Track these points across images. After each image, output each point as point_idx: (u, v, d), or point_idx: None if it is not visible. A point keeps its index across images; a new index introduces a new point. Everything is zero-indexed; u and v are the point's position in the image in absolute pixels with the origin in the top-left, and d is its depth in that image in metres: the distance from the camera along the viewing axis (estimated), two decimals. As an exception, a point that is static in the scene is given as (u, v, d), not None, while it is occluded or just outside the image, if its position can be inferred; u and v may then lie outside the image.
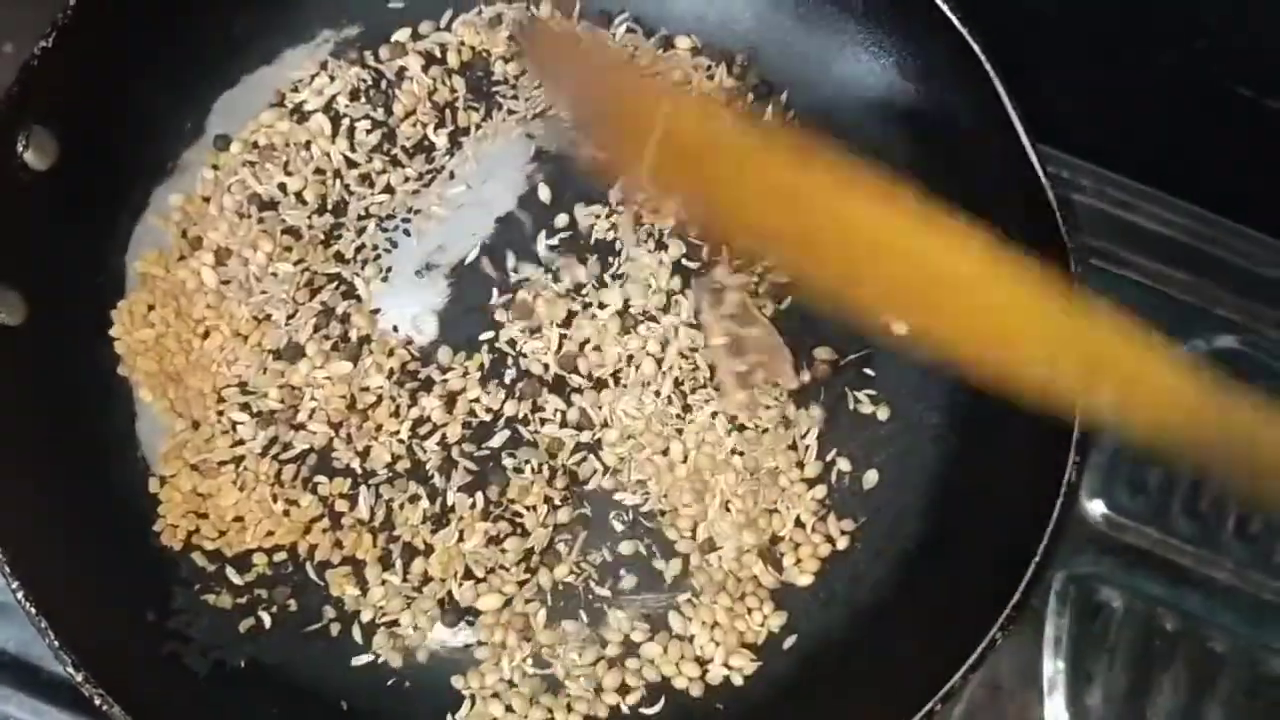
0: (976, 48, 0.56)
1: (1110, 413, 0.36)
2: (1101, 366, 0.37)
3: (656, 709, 0.57)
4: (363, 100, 0.63)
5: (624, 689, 0.57)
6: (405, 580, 0.57)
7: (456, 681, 0.57)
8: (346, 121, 0.62)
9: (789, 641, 0.58)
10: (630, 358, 0.59)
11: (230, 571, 0.57)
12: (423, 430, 0.59)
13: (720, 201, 0.42)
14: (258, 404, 0.59)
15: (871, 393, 0.60)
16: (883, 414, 0.60)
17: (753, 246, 0.47)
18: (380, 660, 0.57)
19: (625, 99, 0.44)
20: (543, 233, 0.61)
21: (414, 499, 0.58)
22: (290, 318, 0.60)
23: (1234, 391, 0.35)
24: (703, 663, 0.57)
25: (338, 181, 0.62)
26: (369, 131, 0.62)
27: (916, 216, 0.39)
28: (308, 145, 0.62)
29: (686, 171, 0.42)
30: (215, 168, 0.62)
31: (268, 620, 0.57)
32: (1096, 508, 0.62)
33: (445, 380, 0.59)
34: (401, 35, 0.64)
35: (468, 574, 0.58)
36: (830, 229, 0.39)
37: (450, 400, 0.59)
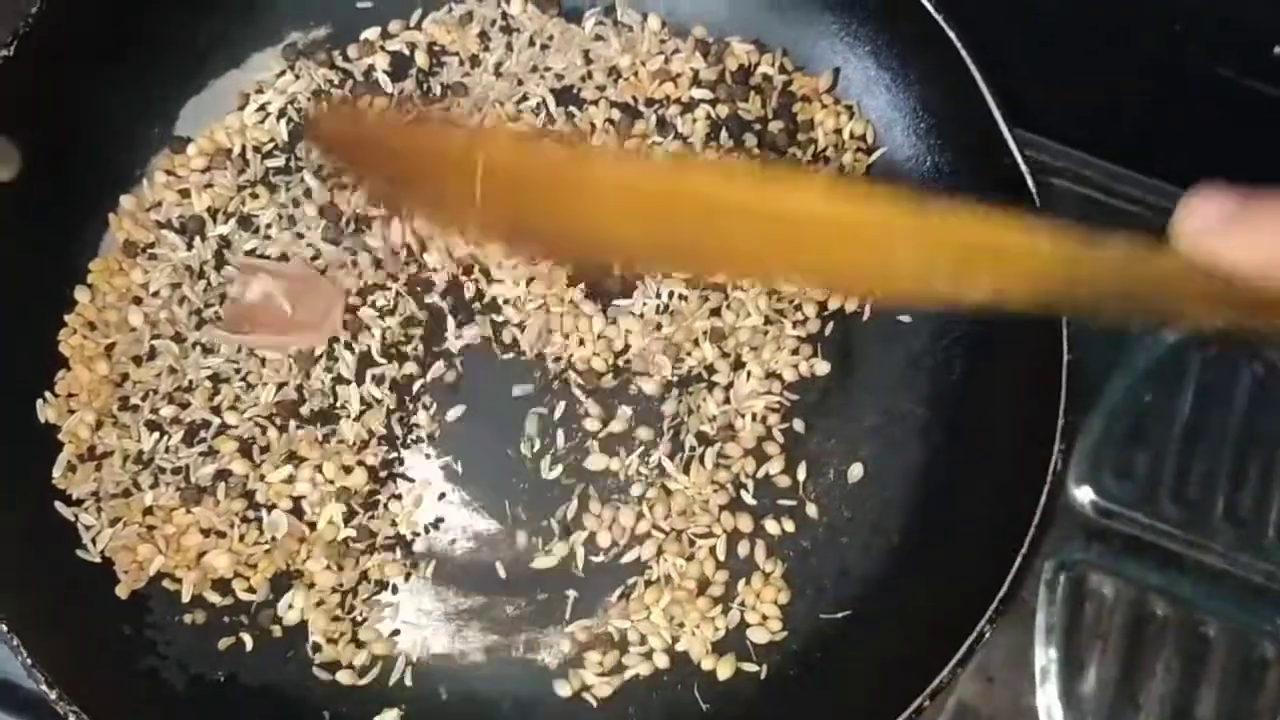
0: (951, 34, 0.56)
1: (991, 298, 0.37)
2: (971, 256, 0.37)
3: (642, 708, 0.56)
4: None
5: (611, 681, 0.56)
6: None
7: (443, 690, 0.56)
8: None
9: (776, 639, 0.57)
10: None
11: (206, 594, 0.56)
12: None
13: (564, 223, 0.41)
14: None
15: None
16: (867, 411, 0.60)
17: (613, 256, 0.47)
18: (367, 674, 0.56)
19: (434, 157, 0.43)
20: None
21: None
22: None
23: (1111, 241, 0.35)
24: (688, 661, 0.57)
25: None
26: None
27: (752, 177, 0.40)
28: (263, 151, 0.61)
29: (518, 204, 0.41)
30: (169, 172, 0.61)
31: (249, 641, 0.56)
32: (1084, 495, 0.61)
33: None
34: (371, 34, 0.63)
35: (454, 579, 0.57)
36: (678, 217, 0.39)
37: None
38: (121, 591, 0.55)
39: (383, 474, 0.58)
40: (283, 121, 0.61)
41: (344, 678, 0.56)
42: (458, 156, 0.41)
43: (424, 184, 0.44)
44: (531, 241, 0.44)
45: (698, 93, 0.62)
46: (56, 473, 0.56)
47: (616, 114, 0.62)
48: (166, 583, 0.56)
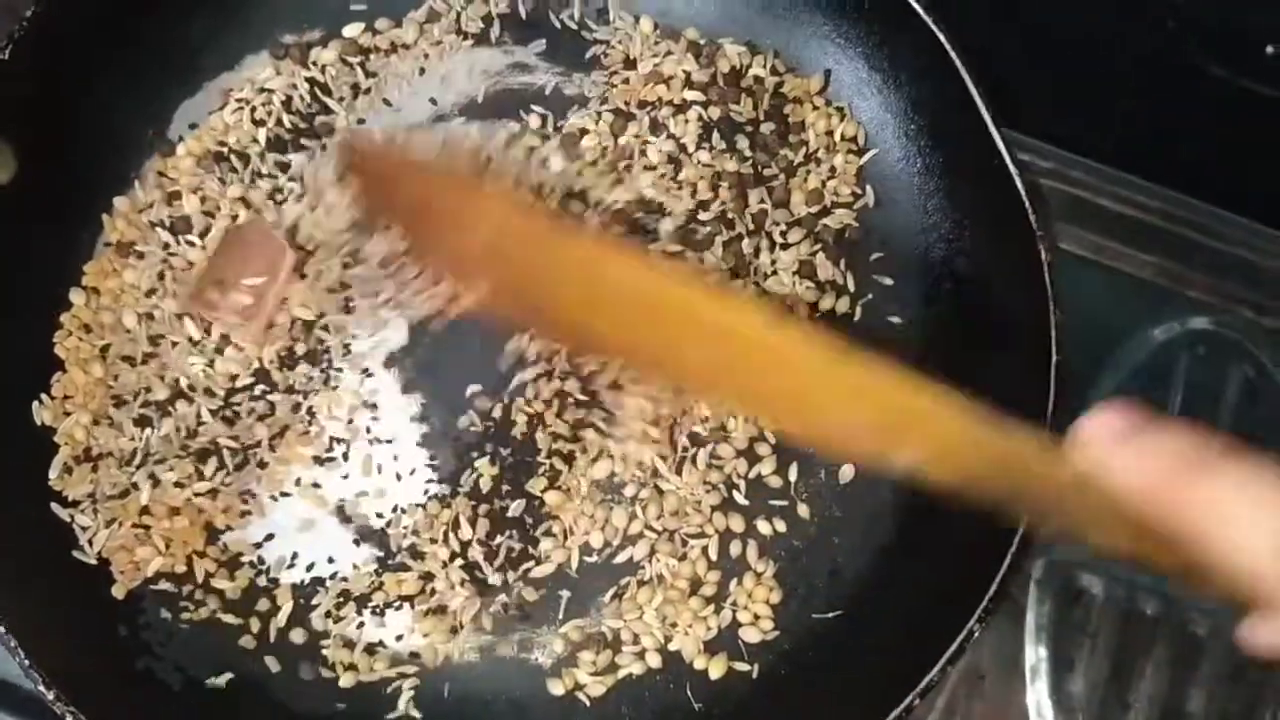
0: (942, 36, 0.56)
1: (908, 465, 0.38)
2: (892, 419, 0.38)
3: (634, 707, 0.57)
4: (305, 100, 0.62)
5: (604, 680, 0.57)
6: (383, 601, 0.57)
7: (445, 689, 0.57)
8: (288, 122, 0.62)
9: (767, 638, 0.58)
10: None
11: (198, 593, 0.57)
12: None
13: (542, 301, 0.43)
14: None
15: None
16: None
17: (580, 343, 0.49)
18: (364, 676, 0.56)
19: (450, 212, 0.45)
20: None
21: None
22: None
23: (1013, 432, 0.36)
24: (680, 660, 0.57)
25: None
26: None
27: (712, 296, 0.42)
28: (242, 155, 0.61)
29: (510, 274, 0.43)
30: (161, 174, 0.61)
31: (246, 642, 0.56)
32: (1074, 494, 0.62)
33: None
34: (352, 31, 0.63)
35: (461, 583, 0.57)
36: (640, 317, 0.41)
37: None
38: (118, 592, 0.56)
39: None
40: (262, 129, 0.62)
41: (343, 680, 0.56)
42: (472, 218, 0.44)
43: (438, 236, 0.45)
44: (513, 308, 0.46)
45: (690, 94, 0.62)
46: (53, 474, 0.57)
47: (609, 117, 0.62)
48: (163, 583, 0.56)
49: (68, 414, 0.57)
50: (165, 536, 0.56)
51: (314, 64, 0.62)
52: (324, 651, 0.56)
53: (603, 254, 0.43)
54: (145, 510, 0.56)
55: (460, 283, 0.45)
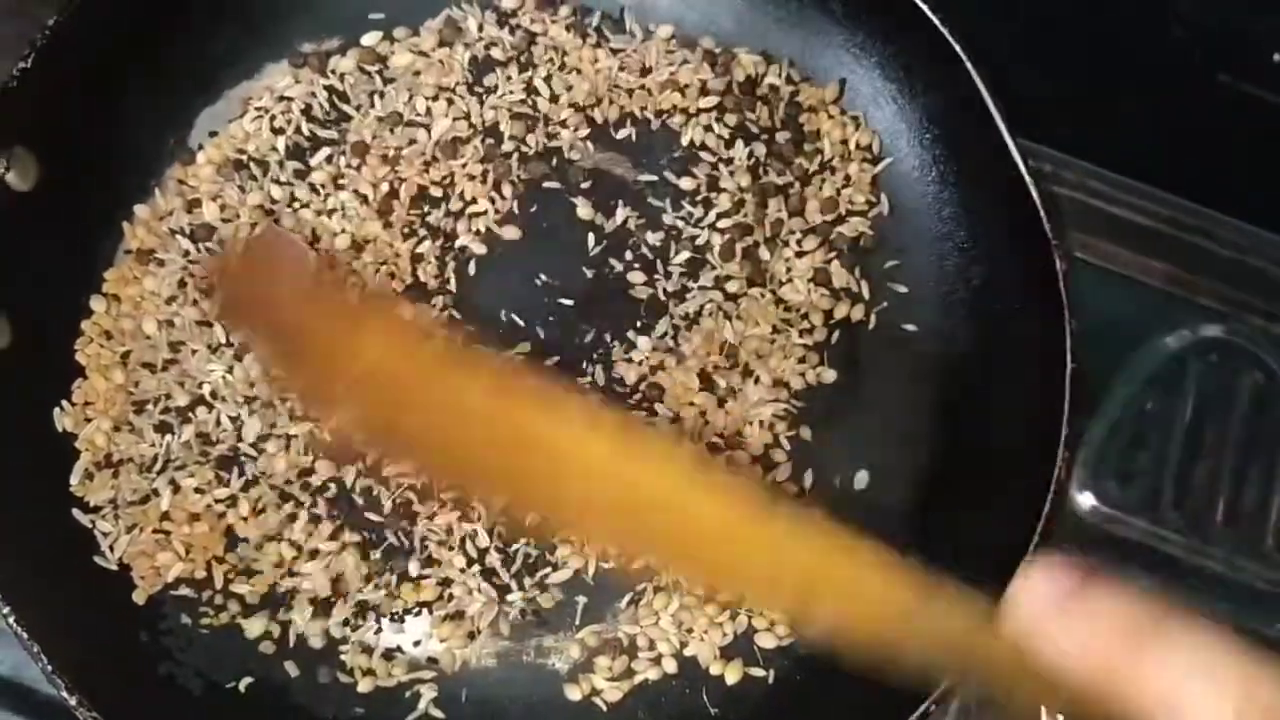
0: (957, 45, 0.57)
1: (830, 629, 0.35)
2: (815, 581, 0.36)
3: (651, 712, 0.57)
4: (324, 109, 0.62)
5: (620, 686, 0.57)
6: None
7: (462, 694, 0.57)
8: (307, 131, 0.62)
9: (783, 644, 0.58)
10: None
11: (218, 598, 0.57)
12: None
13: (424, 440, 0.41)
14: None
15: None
16: (873, 419, 0.61)
17: (467, 485, 0.47)
18: (383, 681, 0.57)
19: (323, 333, 0.42)
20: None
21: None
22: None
23: (947, 600, 0.34)
24: (697, 666, 0.57)
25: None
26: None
27: (616, 445, 0.38)
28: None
29: (389, 410, 0.41)
30: (181, 181, 0.61)
31: (266, 648, 0.56)
32: (1086, 501, 0.62)
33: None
34: (371, 40, 0.63)
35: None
36: (536, 463, 0.38)
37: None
38: (139, 597, 0.56)
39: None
40: (281, 137, 0.62)
41: (362, 685, 0.56)
42: (344, 341, 0.41)
43: (307, 359, 0.43)
44: (390, 445, 0.44)
45: (705, 103, 0.62)
46: (74, 480, 0.57)
47: (632, 127, 0.63)
48: (183, 589, 0.57)
49: (88, 420, 0.58)
50: (185, 542, 0.56)
51: (333, 72, 0.63)
52: (342, 657, 0.57)
53: (500, 398, 0.39)
54: (165, 516, 0.57)
55: (323, 411, 0.43)
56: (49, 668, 0.49)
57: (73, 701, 0.49)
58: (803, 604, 0.36)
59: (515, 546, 0.58)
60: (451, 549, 0.57)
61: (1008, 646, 0.30)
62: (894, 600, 0.34)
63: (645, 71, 0.63)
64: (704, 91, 0.63)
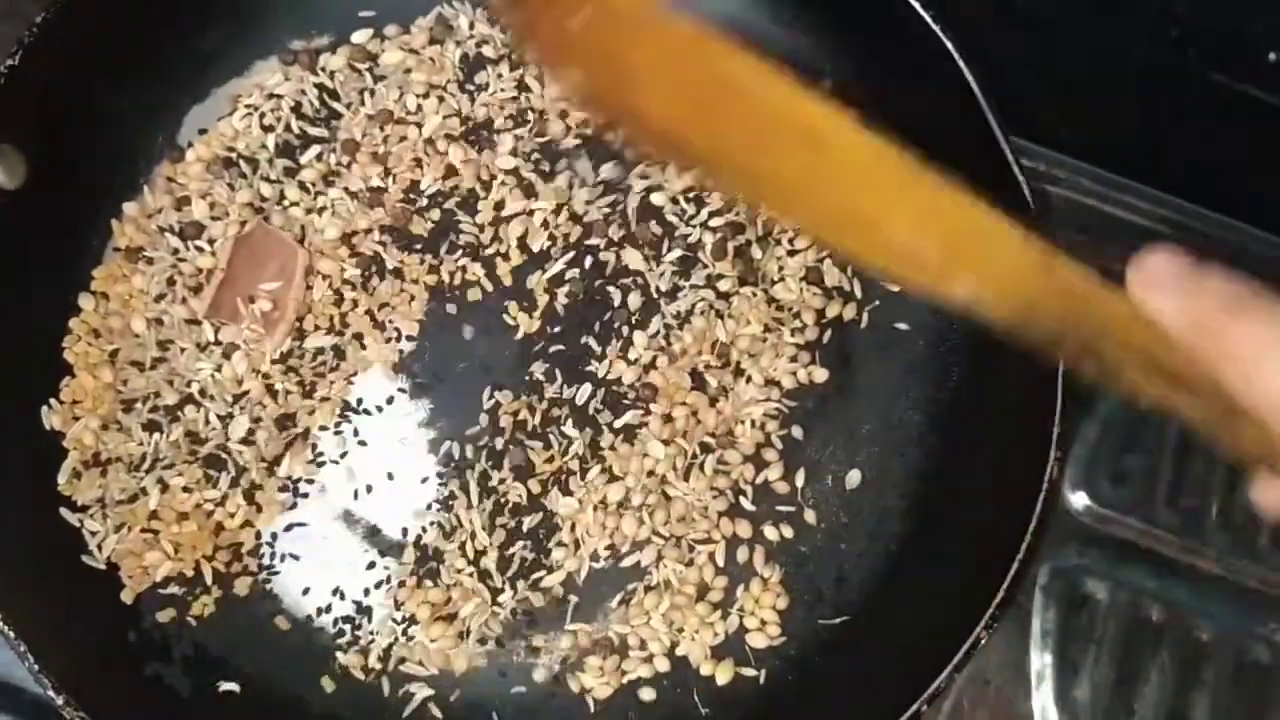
0: (949, 44, 0.56)
1: (969, 295, 0.38)
2: (958, 239, 0.38)
3: (641, 712, 0.57)
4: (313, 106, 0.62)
5: (610, 685, 0.57)
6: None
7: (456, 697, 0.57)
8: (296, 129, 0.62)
9: (774, 644, 0.58)
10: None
11: (206, 598, 0.57)
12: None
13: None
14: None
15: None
16: (865, 418, 0.60)
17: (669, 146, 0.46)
18: (373, 679, 0.57)
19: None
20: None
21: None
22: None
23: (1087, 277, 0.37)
24: (687, 666, 0.57)
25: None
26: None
27: (804, 98, 0.40)
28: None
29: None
30: (170, 179, 0.61)
31: (255, 647, 0.57)
32: (1080, 500, 0.62)
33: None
34: (361, 37, 0.63)
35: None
36: (735, 118, 0.40)
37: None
38: (127, 597, 0.56)
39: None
40: (270, 135, 0.62)
41: (353, 684, 0.56)
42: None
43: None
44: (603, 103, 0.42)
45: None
46: (61, 479, 0.57)
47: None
48: (172, 588, 0.56)
49: (76, 419, 0.58)
50: (174, 541, 0.57)
51: (323, 70, 0.62)
52: (336, 655, 0.57)
53: (698, 48, 0.40)
54: (154, 515, 0.57)
55: (556, 71, 0.44)
56: (35, 667, 0.49)
57: (60, 701, 0.49)
58: (947, 268, 0.38)
59: (511, 550, 0.58)
60: (450, 553, 0.57)
61: (1125, 309, 0.35)
62: (1034, 263, 0.37)
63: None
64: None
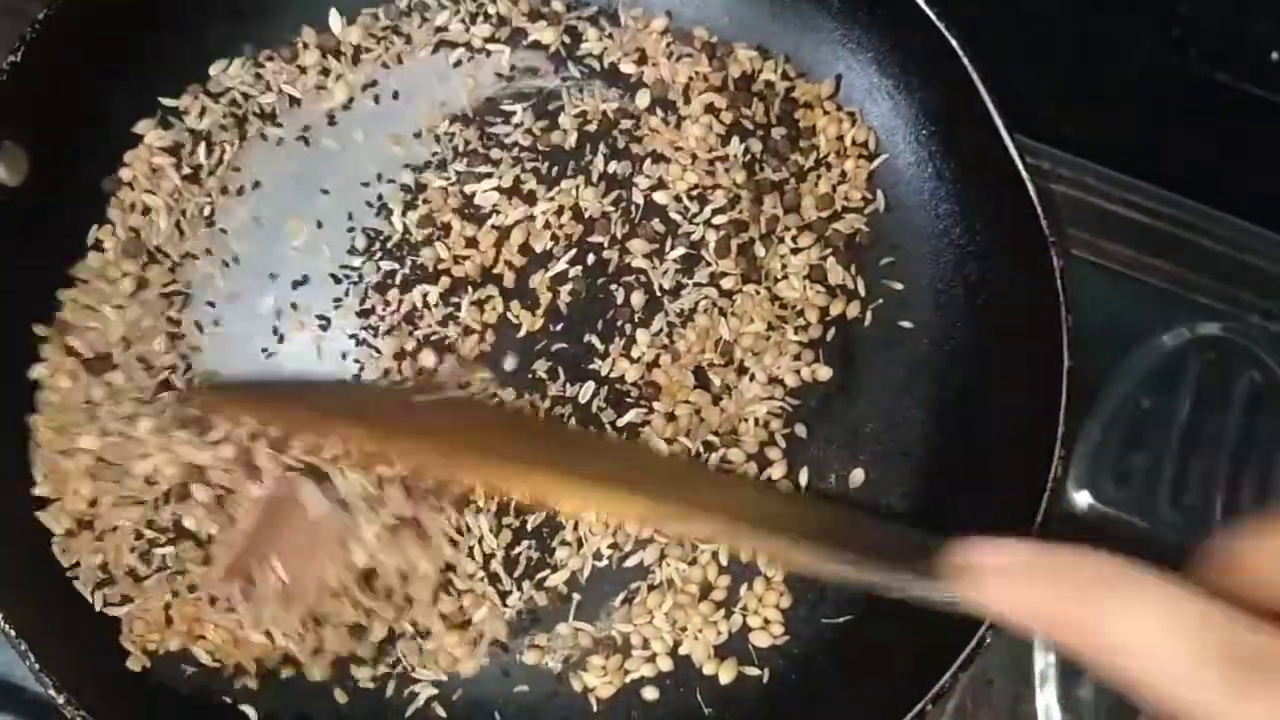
0: (954, 41, 0.56)
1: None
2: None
3: (644, 711, 0.57)
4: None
5: (613, 684, 0.57)
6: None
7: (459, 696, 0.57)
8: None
9: (777, 643, 0.58)
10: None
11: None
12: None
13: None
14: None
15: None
16: (868, 416, 0.60)
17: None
18: (376, 677, 0.56)
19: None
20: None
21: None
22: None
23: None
24: (690, 665, 0.57)
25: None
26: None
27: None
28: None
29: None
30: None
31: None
32: (1083, 499, 0.62)
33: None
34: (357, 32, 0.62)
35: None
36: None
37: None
38: (133, 665, 0.55)
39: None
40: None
41: (358, 683, 0.56)
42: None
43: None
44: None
45: (702, 99, 0.62)
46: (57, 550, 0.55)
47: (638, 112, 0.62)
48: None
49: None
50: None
51: (330, 57, 0.62)
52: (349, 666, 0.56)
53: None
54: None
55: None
56: (36, 666, 0.49)
57: (60, 700, 0.49)
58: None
59: (517, 550, 0.58)
60: (460, 558, 0.57)
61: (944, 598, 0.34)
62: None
63: (642, 60, 0.63)
64: (702, 86, 0.62)
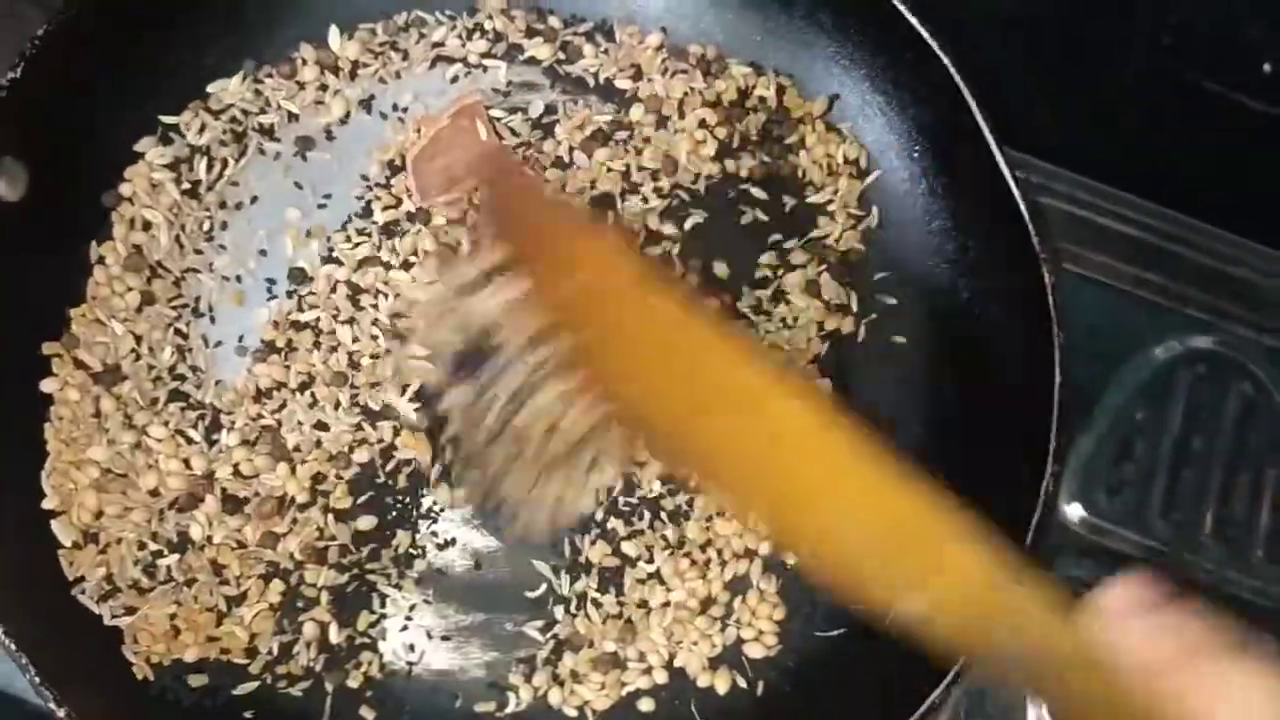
0: (945, 58, 0.57)
1: (916, 605, 0.36)
2: (904, 538, 0.37)
3: (642, 725, 0.57)
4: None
5: (609, 696, 0.57)
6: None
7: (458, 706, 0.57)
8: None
9: (771, 655, 0.58)
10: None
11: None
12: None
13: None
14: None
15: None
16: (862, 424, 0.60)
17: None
18: (371, 690, 0.57)
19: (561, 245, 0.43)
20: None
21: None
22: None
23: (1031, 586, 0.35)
24: (685, 676, 0.57)
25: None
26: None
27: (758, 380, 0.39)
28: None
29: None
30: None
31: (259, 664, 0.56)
32: (1075, 512, 0.62)
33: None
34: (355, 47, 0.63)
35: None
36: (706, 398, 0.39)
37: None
38: (137, 674, 0.55)
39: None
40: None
41: (349, 696, 0.56)
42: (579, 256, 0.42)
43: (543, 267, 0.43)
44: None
45: (697, 114, 0.63)
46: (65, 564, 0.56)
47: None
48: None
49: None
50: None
51: (328, 73, 0.63)
52: (347, 666, 0.57)
53: (668, 316, 0.40)
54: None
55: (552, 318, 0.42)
56: (37, 679, 0.49)
57: (61, 713, 0.49)
58: (895, 572, 0.36)
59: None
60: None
61: (1083, 646, 0.33)
62: (988, 575, 0.35)
63: (637, 76, 0.63)
64: (696, 102, 0.63)
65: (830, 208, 0.63)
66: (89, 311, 0.58)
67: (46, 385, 0.57)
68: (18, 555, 0.54)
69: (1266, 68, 0.72)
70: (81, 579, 0.55)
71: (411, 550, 0.58)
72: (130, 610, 0.55)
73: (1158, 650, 0.32)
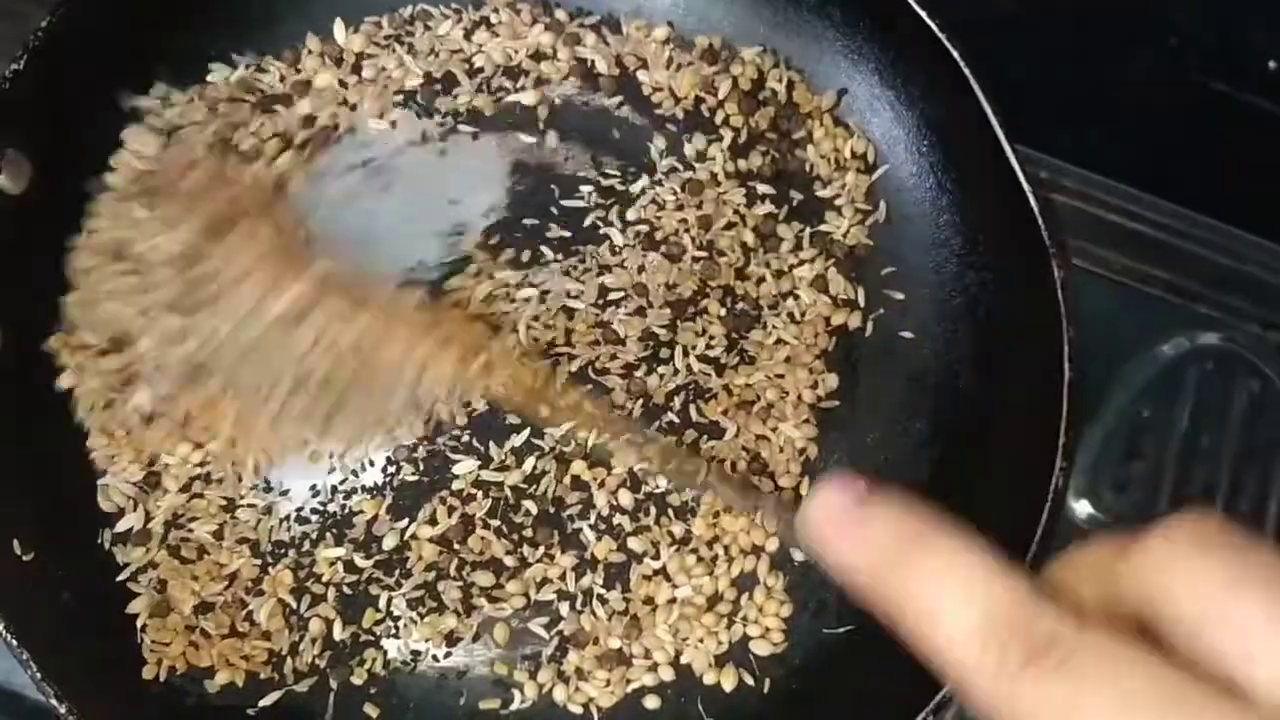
0: (955, 52, 0.56)
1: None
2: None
3: (647, 721, 0.57)
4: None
5: (615, 693, 0.57)
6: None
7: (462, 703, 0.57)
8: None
9: (778, 652, 0.58)
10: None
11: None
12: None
13: None
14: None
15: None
16: (870, 426, 0.60)
17: None
18: (374, 688, 0.57)
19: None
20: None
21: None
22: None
23: None
24: (691, 674, 0.57)
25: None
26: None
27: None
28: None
29: None
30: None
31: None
32: (1083, 508, 0.62)
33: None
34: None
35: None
36: None
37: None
38: (147, 673, 0.55)
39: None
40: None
41: (353, 693, 0.56)
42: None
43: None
44: None
45: (705, 107, 0.62)
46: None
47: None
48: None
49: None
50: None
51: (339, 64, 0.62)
52: (349, 664, 0.56)
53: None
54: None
55: None
56: (38, 675, 0.49)
57: (62, 709, 0.49)
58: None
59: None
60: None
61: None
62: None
63: (643, 68, 0.63)
64: (706, 95, 0.62)
65: (838, 202, 0.62)
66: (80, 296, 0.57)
67: (63, 381, 0.56)
68: (23, 553, 0.53)
69: (1272, 65, 0.72)
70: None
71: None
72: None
73: (866, 555, 0.29)
